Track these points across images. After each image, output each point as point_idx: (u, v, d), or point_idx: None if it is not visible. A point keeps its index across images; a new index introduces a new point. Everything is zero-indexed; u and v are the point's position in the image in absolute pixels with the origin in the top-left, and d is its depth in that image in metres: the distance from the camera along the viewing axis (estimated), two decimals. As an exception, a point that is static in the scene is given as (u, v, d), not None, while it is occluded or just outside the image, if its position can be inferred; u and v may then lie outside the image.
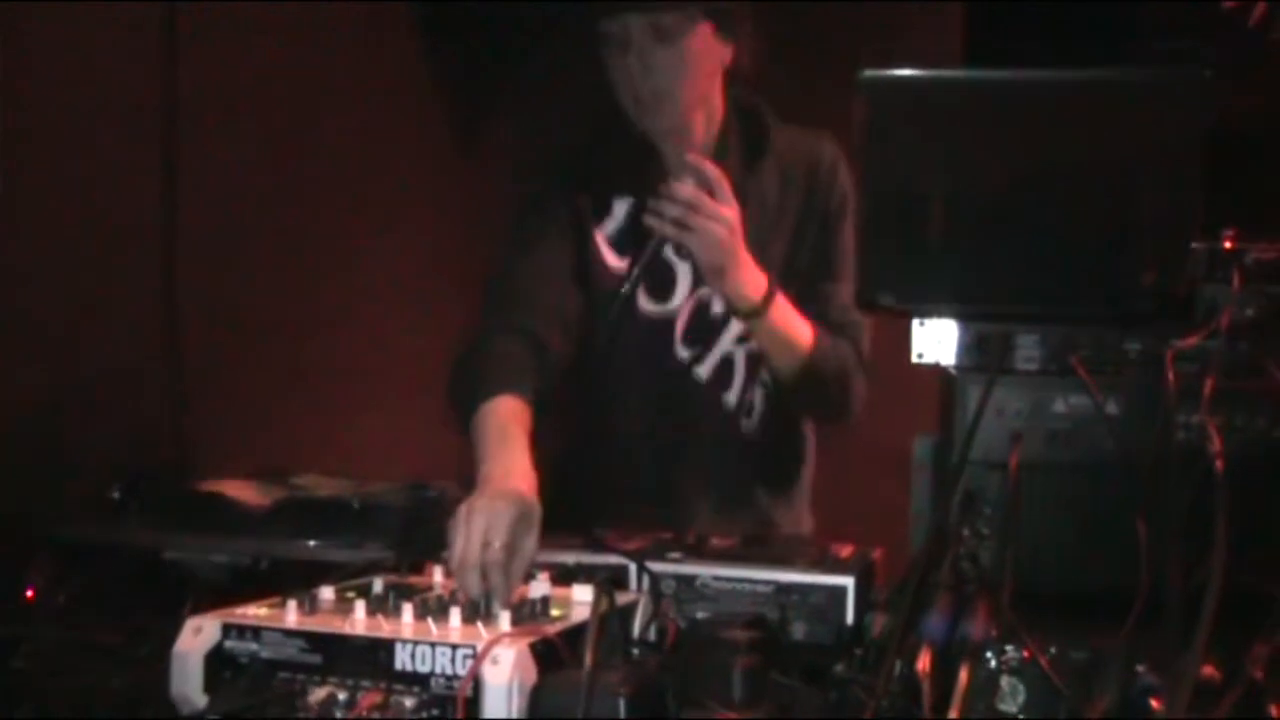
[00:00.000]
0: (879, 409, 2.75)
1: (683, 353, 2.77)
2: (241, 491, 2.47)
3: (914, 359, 1.96)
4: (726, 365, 2.78)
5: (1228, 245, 1.92)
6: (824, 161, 2.77)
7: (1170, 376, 1.84)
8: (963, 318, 1.94)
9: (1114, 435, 1.89)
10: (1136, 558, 1.74)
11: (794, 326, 2.60)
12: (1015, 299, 1.93)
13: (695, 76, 2.67)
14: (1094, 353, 1.92)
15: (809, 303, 2.66)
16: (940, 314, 1.95)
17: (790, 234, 2.75)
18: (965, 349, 1.94)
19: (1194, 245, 1.91)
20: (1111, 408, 1.90)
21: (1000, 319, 1.94)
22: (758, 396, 2.80)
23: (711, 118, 2.77)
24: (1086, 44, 3.69)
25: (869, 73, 1.88)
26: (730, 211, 2.47)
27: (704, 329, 2.76)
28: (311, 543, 2.28)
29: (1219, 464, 1.70)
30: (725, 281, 2.51)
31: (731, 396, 2.78)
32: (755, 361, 2.76)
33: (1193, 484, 1.72)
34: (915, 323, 1.97)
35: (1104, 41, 3.76)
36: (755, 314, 2.54)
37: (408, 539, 2.26)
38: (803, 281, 2.71)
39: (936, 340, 1.96)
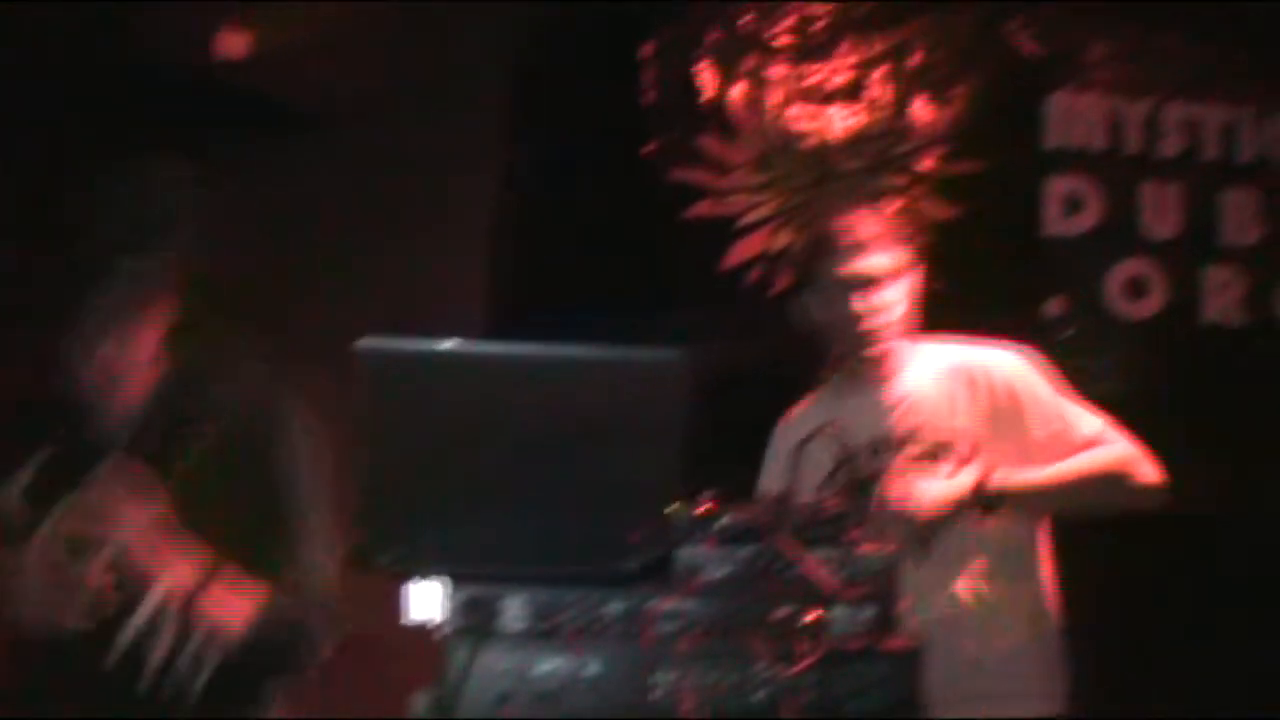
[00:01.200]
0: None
1: None
2: None
3: (407, 619, 2.00)
4: None
5: (703, 509, 2.03)
6: (274, 428, 2.61)
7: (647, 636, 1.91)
8: (454, 579, 1.99)
9: (596, 695, 1.94)
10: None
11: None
12: (505, 561, 1.99)
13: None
14: (578, 613, 1.98)
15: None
16: (433, 575, 2.00)
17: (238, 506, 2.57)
18: (454, 610, 1.98)
19: (672, 510, 2.01)
20: (592, 669, 1.96)
21: (489, 580, 1.99)
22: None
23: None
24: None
25: (367, 343, 1.96)
26: (142, 515, 2.43)
27: None
28: None
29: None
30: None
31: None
32: None
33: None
34: (410, 584, 2.01)
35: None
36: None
37: None
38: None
39: (429, 600, 2.00)
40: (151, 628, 2.46)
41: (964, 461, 2.98)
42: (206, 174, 2.62)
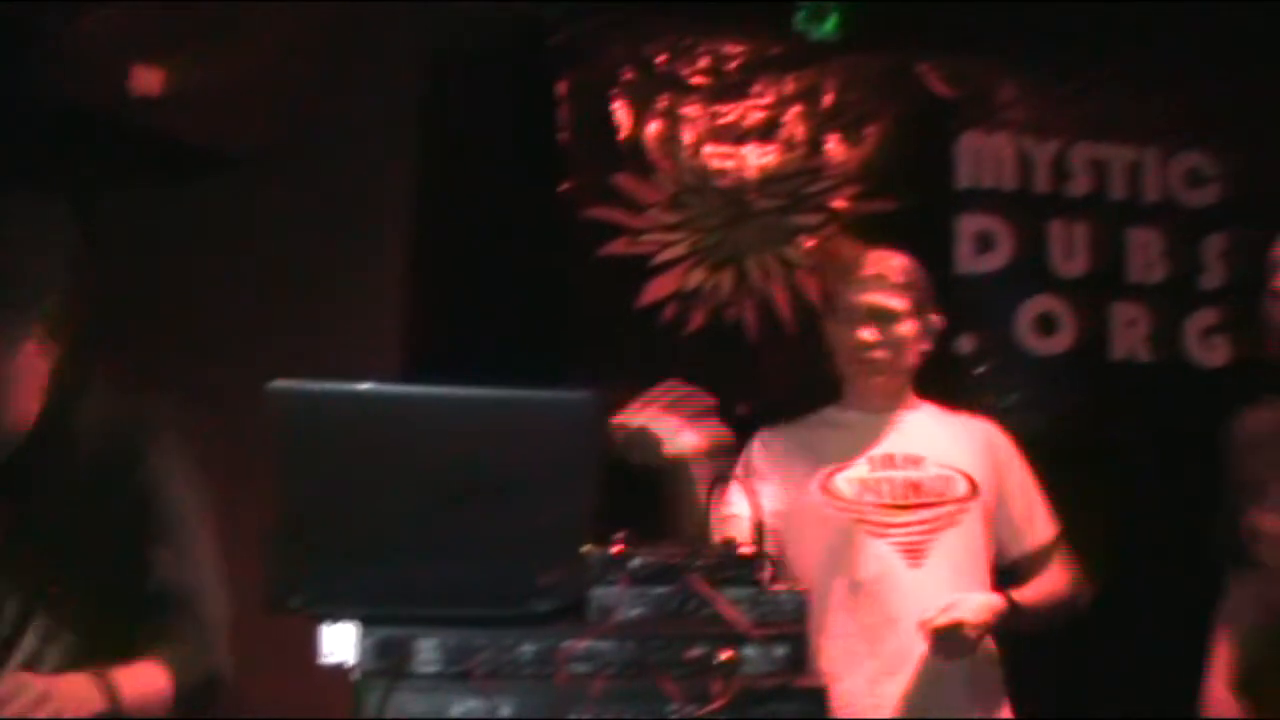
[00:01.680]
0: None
1: None
2: None
3: (321, 660, 1.99)
4: None
5: (616, 550, 2.03)
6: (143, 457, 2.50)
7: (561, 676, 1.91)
8: (366, 621, 1.98)
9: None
10: None
11: None
12: (418, 602, 1.98)
13: None
14: (492, 655, 1.98)
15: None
16: (346, 617, 1.99)
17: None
18: (367, 652, 1.97)
19: (585, 550, 2.01)
20: (506, 710, 1.95)
21: (402, 622, 1.98)
22: None
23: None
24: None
25: (278, 384, 1.95)
26: None
27: None
28: None
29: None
30: None
31: None
32: None
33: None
34: (324, 625, 2.00)
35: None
36: None
37: None
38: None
39: (342, 643, 1.99)
40: None
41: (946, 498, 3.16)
42: (82, 216, 2.51)
